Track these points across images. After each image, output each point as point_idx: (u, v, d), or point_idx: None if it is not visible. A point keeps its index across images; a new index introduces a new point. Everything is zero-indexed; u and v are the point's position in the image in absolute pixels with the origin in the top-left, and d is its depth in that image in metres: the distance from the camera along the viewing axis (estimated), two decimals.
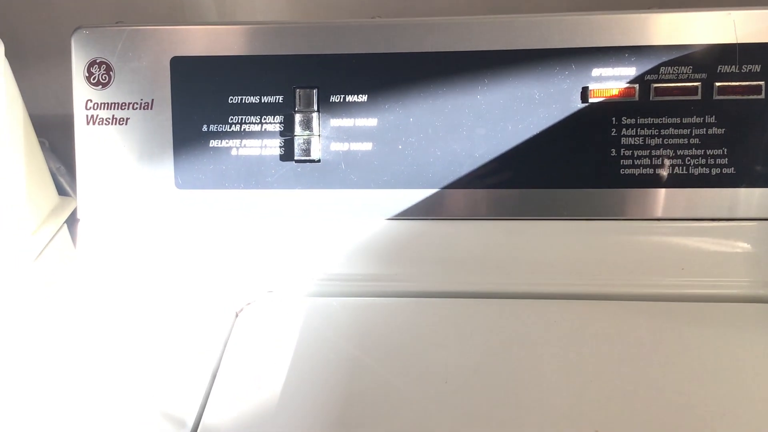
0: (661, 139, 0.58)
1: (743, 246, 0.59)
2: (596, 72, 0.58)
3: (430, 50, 0.59)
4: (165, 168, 0.61)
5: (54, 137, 0.86)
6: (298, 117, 0.60)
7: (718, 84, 0.57)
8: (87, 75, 0.62)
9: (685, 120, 0.58)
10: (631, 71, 0.58)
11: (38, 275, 0.65)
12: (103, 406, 0.50)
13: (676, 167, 0.58)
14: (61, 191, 0.76)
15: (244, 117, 0.61)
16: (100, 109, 0.62)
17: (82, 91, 0.62)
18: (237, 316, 0.59)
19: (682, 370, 0.51)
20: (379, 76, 0.60)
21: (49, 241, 0.67)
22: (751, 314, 0.57)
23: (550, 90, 0.59)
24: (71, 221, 0.70)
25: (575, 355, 0.52)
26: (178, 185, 0.62)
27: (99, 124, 0.62)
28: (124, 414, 0.49)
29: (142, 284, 0.62)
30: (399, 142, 0.60)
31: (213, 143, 0.61)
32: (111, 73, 0.61)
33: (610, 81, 0.58)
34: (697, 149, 0.58)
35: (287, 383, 0.51)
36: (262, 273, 0.62)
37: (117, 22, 0.62)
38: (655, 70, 0.58)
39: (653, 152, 0.58)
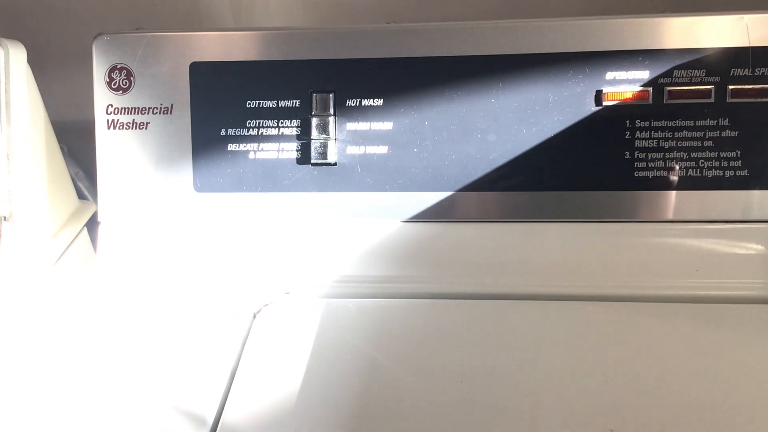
0: (674, 141, 0.59)
1: (757, 248, 0.59)
2: (610, 75, 0.59)
3: (444, 54, 0.60)
4: (184, 171, 0.62)
5: (73, 142, 0.87)
6: (314, 121, 0.61)
7: (731, 87, 0.58)
8: (108, 80, 0.63)
9: (699, 123, 0.58)
10: (645, 74, 0.58)
11: (59, 278, 0.66)
12: (124, 405, 0.50)
13: (690, 170, 0.59)
14: (80, 196, 0.77)
15: (261, 121, 0.62)
16: (121, 113, 0.63)
17: (102, 97, 0.63)
18: (255, 317, 0.60)
19: (696, 370, 0.51)
20: (394, 80, 0.61)
21: (70, 245, 0.68)
22: (766, 315, 0.57)
23: (564, 93, 0.59)
24: (91, 225, 0.71)
25: (590, 356, 0.53)
26: (197, 188, 0.62)
27: (119, 128, 0.63)
28: (145, 413, 0.50)
29: (162, 286, 0.63)
30: (414, 145, 0.61)
31: (231, 147, 0.62)
32: (131, 78, 0.62)
33: (624, 84, 0.59)
34: (710, 152, 0.58)
35: (305, 383, 0.52)
36: (280, 275, 0.63)
37: (137, 29, 0.63)
38: (668, 74, 0.58)
39: (667, 155, 0.59)
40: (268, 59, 0.62)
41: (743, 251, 0.59)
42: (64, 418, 0.49)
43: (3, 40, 0.59)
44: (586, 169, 0.60)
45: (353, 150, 0.61)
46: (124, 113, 0.63)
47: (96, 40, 0.63)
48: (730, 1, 0.66)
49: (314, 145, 0.61)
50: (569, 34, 0.59)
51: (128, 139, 0.63)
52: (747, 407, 0.48)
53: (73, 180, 0.82)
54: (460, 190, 0.61)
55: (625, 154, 0.59)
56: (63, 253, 0.67)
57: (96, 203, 0.66)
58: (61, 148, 0.70)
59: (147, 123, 0.63)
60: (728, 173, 0.58)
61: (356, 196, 0.62)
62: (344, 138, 0.61)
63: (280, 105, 0.62)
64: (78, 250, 0.69)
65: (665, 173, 0.59)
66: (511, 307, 0.58)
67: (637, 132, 0.59)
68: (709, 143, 0.58)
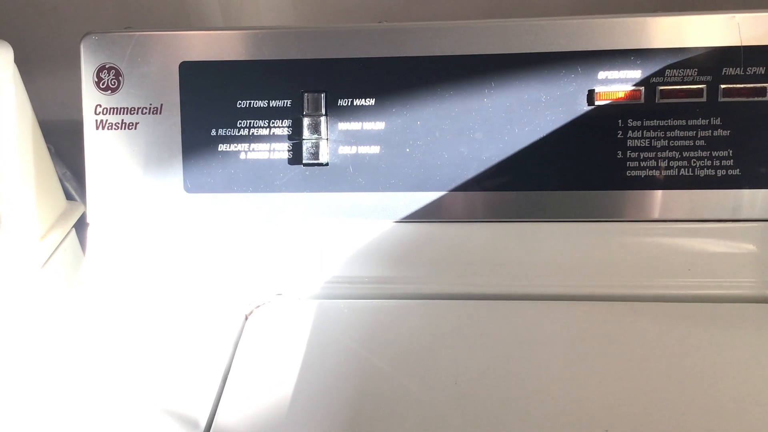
0: (666, 141, 0.59)
1: (748, 247, 0.60)
2: (602, 75, 0.59)
3: (436, 54, 0.60)
4: (174, 172, 0.62)
5: (60, 143, 0.86)
6: (306, 121, 0.61)
7: (723, 86, 0.58)
8: (96, 80, 0.62)
9: (691, 122, 0.58)
10: (637, 74, 0.58)
11: (47, 281, 0.65)
12: (116, 407, 0.50)
13: (682, 169, 0.59)
14: (68, 197, 0.77)
15: (252, 121, 0.61)
16: (110, 114, 0.62)
17: (91, 97, 0.62)
18: (246, 318, 0.59)
19: (689, 369, 0.51)
20: (386, 79, 0.60)
21: (58, 247, 0.67)
22: (757, 314, 0.57)
23: (556, 93, 0.59)
24: (79, 226, 0.70)
25: (584, 356, 0.53)
26: (188, 189, 0.62)
27: (108, 128, 0.62)
28: (137, 415, 0.49)
29: (152, 288, 0.62)
30: (406, 145, 0.61)
31: (222, 147, 0.62)
32: (120, 78, 0.62)
33: (616, 84, 0.59)
34: (702, 151, 0.59)
35: (298, 384, 0.51)
36: (271, 276, 0.62)
37: (126, 28, 0.62)
38: (660, 73, 0.58)
39: (659, 154, 0.59)
40: (258, 59, 0.61)
41: (735, 250, 0.60)
42: (56, 421, 0.49)
43: None
44: (579, 169, 0.60)
45: (345, 150, 0.61)
46: (113, 113, 0.62)
47: (84, 40, 0.62)
48: (721, 0, 0.66)
49: (306, 146, 0.61)
50: (561, 34, 0.59)
51: (117, 139, 0.62)
52: (740, 406, 0.48)
53: (61, 181, 0.82)
54: (452, 190, 0.60)
55: (618, 154, 0.59)
56: (51, 255, 0.66)
57: (84, 204, 0.65)
58: (48, 149, 0.69)
59: (136, 123, 0.62)
60: (720, 172, 0.59)
61: (348, 196, 0.61)
62: (336, 138, 0.61)
63: (271, 105, 0.61)
64: (66, 252, 0.68)
65: (657, 172, 0.59)
66: (505, 308, 0.58)
67: (629, 131, 0.59)
68: (701, 142, 0.59)
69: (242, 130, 0.61)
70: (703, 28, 0.58)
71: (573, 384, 0.50)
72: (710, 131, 0.58)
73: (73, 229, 0.71)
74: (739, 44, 0.57)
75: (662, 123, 0.59)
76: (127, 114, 0.62)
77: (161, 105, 0.62)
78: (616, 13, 0.59)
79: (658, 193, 0.59)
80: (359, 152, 0.61)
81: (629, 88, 0.59)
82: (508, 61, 0.59)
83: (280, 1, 0.83)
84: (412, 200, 0.61)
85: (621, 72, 0.59)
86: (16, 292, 0.60)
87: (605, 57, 0.58)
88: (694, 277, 0.60)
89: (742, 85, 0.58)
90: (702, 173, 0.59)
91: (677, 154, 0.59)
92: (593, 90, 0.59)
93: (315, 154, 0.61)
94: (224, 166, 0.62)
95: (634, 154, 0.59)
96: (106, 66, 0.62)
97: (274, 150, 0.61)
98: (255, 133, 0.61)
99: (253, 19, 0.85)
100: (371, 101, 0.61)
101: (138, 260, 0.63)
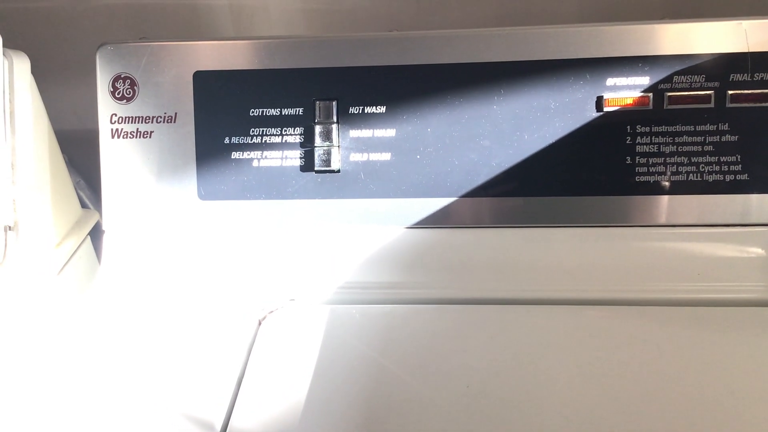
0: (675, 146, 0.59)
1: (757, 251, 0.60)
2: (611, 81, 0.59)
3: (446, 62, 0.61)
4: (188, 180, 0.63)
5: (74, 152, 0.87)
6: (318, 128, 0.62)
7: (730, 92, 0.58)
8: (112, 90, 0.63)
9: (699, 128, 0.59)
10: (645, 80, 0.59)
11: (63, 287, 0.66)
12: (133, 411, 0.50)
13: (691, 174, 0.59)
14: (82, 205, 0.77)
15: (265, 129, 0.62)
16: (125, 122, 0.63)
17: (106, 106, 0.63)
18: (260, 324, 0.60)
19: (698, 373, 0.51)
20: (396, 87, 0.61)
21: (73, 253, 0.68)
22: (767, 318, 0.57)
23: (565, 100, 0.60)
24: (94, 233, 0.71)
25: (594, 360, 0.53)
26: (201, 197, 0.63)
27: (123, 137, 0.63)
28: (154, 419, 0.50)
29: (167, 294, 0.63)
30: (417, 152, 0.61)
31: (235, 155, 0.62)
32: (135, 87, 0.63)
33: (625, 90, 0.59)
34: (710, 156, 0.59)
35: (311, 389, 0.52)
36: (284, 282, 0.63)
37: (141, 38, 0.63)
38: (668, 79, 0.59)
39: (668, 160, 0.59)
40: (271, 68, 0.62)
41: (744, 254, 0.60)
42: (73, 425, 0.49)
43: (7, 50, 0.59)
44: (588, 175, 0.60)
45: (356, 157, 0.62)
46: (128, 122, 0.63)
47: (100, 50, 0.63)
48: (728, 7, 0.67)
49: (318, 153, 0.62)
50: (570, 41, 0.59)
51: (132, 148, 0.63)
52: (749, 410, 0.48)
53: (75, 189, 0.82)
54: (463, 196, 0.61)
55: (626, 159, 0.60)
56: (67, 262, 0.67)
57: (98, 212, 0.66)
58: (63, 158, 0.70)
59: (151, 132, 0.63)
60: (728, 177, 0.59)
61: (360, 202, 0.62)
62: (347, 145, 0.62)
63: (283, 113, 0.62)
64: (82, 259, 0.69)
65: (666, 178, 0.60)
66: (517, 312, 0.59)
67: (638, 137, 0.60)
68: (709, 148, 0.59)
69: (255, 137, 0.62)
70: (711, 34, 0.58)
71: (582, 386, 0.50)
72: (718, 137, 0.59)
73: (89, 237, 0.72)
74: (746, 50, 0.58)
75: (670, 129, 0.59)
76: (142, 123, 0.63)
77: (175, 114, 0.63)
78: (623, 20, 0.59)
79: (667, 198, 0.60)
80: (370, 159, 0.62)
81: (638, 94, 0.59)
82: (517, 68, 0.60)
83: (291, 11, 0.84)
84: (423, 206, 0.61)
85: (629, 78, 0.59)
86: (33, 297, 0.61)
87: (614, 64, 0.59)
88: (704, 282, 0.60)
89: (749, 91, 0.58)
90: (710, 178, 0.59)
91: (686, 160, 0.59)
92: (602, 96, 0.59)
93: (327, 161, 0.62)
94: (237, 174, 0.62)
95: (643, 160, 0.60)
96: (122, 76, 0.63)
97: (286, 157, 0.62)
98: (267, 141, 0.62)
99: (264, 28, 0.86)
100: (382, 109, 0.61)
101: (153, 266, 0.64)
